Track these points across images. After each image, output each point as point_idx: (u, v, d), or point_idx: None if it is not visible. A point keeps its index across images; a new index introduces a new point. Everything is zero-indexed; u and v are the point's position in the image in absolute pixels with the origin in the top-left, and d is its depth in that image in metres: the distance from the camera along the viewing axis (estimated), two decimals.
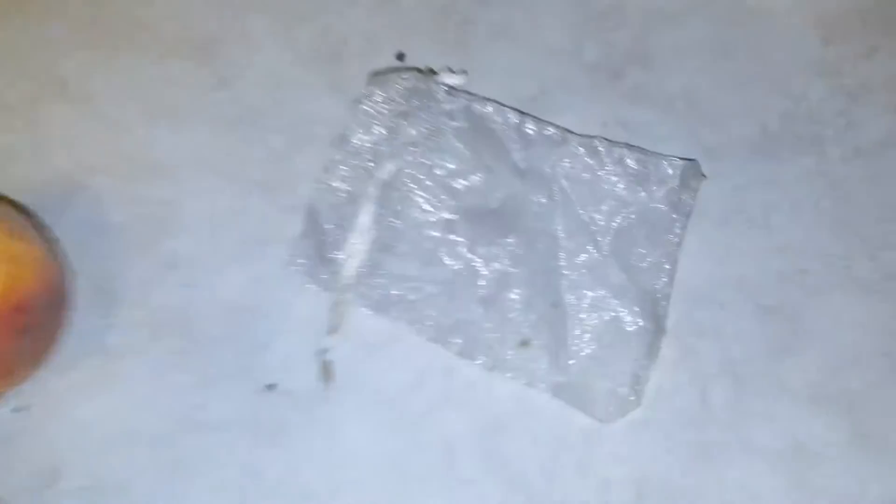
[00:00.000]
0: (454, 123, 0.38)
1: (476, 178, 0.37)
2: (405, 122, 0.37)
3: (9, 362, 0.32)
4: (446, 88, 0.39)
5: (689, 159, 0.38)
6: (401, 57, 0.44)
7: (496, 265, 0.36)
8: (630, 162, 0.37)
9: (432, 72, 0.41)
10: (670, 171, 0.37)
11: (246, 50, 0.44)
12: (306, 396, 0.36)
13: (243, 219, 0.40)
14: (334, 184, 0.37)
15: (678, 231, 0.37)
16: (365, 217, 0.35)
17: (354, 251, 0.35)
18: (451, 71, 0.40)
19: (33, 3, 0.44)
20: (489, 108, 0.38)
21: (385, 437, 0.35)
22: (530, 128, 0.38)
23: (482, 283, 0.36)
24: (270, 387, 0.36)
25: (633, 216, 0.36)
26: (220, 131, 0.41)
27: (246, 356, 0.37)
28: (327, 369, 0.35)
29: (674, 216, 0.37)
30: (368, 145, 0.37)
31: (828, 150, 0.40)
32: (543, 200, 0.37)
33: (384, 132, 0.37)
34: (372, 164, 0.37)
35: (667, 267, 0.36)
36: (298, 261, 0.37)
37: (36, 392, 0.35)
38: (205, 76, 0.43)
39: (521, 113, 0.39)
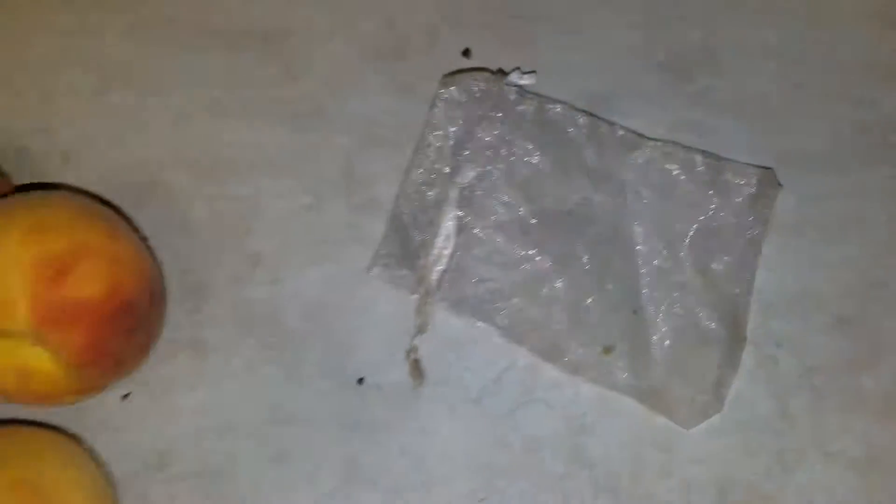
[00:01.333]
0: (527, 126, 0.38)
1: (550, 182, 0.37)
2: (480, 126, 0.37)
3: (118, 359, 0.33)
4: (517, 90, 0.39)
5: (765, 167, 0.39)
6: (466, 53, 0.44)
7: (575, 270, 0.36)
8: (705, 168, 0.38)
9: (503, 73, 0.41)
10: (746, 179, 0.37)
11: (310, 44, 0.44)
12: (395, 392, 0.37)
13: (318, 218, 0.40)
14: (415, 188, 0.37)
15: (756, 239, 0.37)
16: (449, 222, 0.36)
17: (439, 255, 0.36)
18: (521, 72, 0.40)
19: None
20: (560, 110, 0.39)
21: (473, 434, 0.36)
22: (602, 130, 0.38)
23: (561, 286, 0.36)
24: (360, 381, 0.37)
25: (709, 223, 0.37)
26: (287, 129, 0.41)
27: (333, 351, 0.37)
28: (416, 368, 0.36)
29: (751, 224, 0.37)
30: (446, 148, 0.37)
31: None
32: (617, 204, 0.37)
33: (460, 135, 0.38)
34: (448, 169, 0.37)
35: (746, 275, 0.37)
36: (381, 263, 0.37)
37: (137, 382, 0.36)
38: (270, 71, 0.43)
39: (592, 115, 0.39)
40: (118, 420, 0.36)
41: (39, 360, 0.31)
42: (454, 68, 0.43)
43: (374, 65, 0.43)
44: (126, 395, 0.37)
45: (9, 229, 0.31)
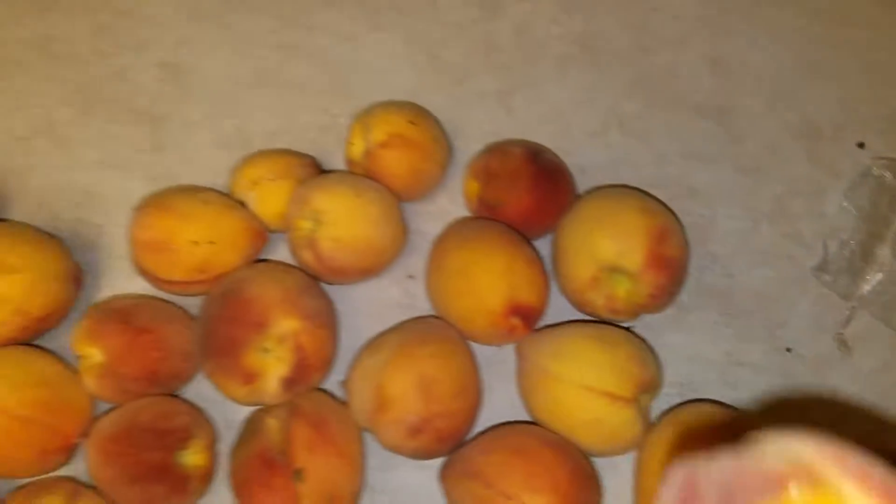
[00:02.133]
0: None
1: None
2: None
3: (666, 301, 0.53)
4: None
5: None
6: (861, 145, 0.63)
7: None
8: None
9: None
10: None
11: (750, 120, 0.64)
12: (815, 361, 0.55)
13: (756, 237, 0.60)
14: (857, 227, 0.56)
15: None
16: (882, 255, 0.54)
17: (872, 277, 0.54)
18: None
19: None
20: None
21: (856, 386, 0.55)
22: None
23: None
24: (788, 350, 0.56)
25: None
26: (730, 173, 0.62)
27: (769, 326, 0.57)
28: (844, 345, 0.55)
29: None
30: (881, 204, 0.56)
31: None
32: None
33: (887, 197, 0.57)
34: (875, 214, 0.56)
35: None
36: (828, 272, 0.56)
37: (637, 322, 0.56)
38: (722, 133, 0.64)
39: None
40: None
41: (623, 289, 0.53)
42: (852, 154, 0.62)
43: (794, 141, 0.63)
44: (630, 327, 0.57)
45: (631, 208, 0.53)
